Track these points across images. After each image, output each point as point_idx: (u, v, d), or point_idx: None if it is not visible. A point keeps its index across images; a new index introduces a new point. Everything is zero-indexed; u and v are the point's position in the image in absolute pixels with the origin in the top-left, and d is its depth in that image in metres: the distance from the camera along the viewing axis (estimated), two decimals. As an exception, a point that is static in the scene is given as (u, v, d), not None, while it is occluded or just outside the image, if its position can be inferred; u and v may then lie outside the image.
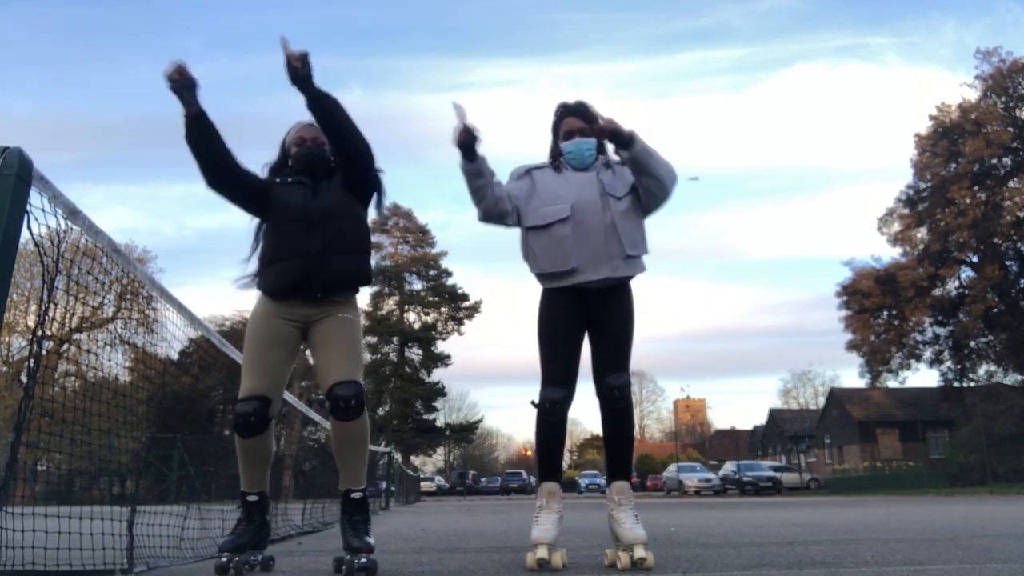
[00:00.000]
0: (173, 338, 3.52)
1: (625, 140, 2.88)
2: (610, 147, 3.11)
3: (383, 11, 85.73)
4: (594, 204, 2.93)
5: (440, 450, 49.17)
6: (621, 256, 2.90)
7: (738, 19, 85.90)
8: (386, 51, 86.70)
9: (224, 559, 2.66)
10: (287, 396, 5.29)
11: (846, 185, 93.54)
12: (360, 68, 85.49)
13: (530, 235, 3.01)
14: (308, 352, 2.99)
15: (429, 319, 45.68)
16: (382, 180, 3.01)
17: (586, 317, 2.94)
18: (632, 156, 2.90)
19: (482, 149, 2.89)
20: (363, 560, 2.69)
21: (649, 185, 2.95)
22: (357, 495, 2.84)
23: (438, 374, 45.08)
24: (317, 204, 2.87)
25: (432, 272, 45.78)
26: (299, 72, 2.70)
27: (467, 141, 2.82)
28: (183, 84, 2.71)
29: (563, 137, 3.08)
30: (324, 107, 2.77)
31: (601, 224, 2.90)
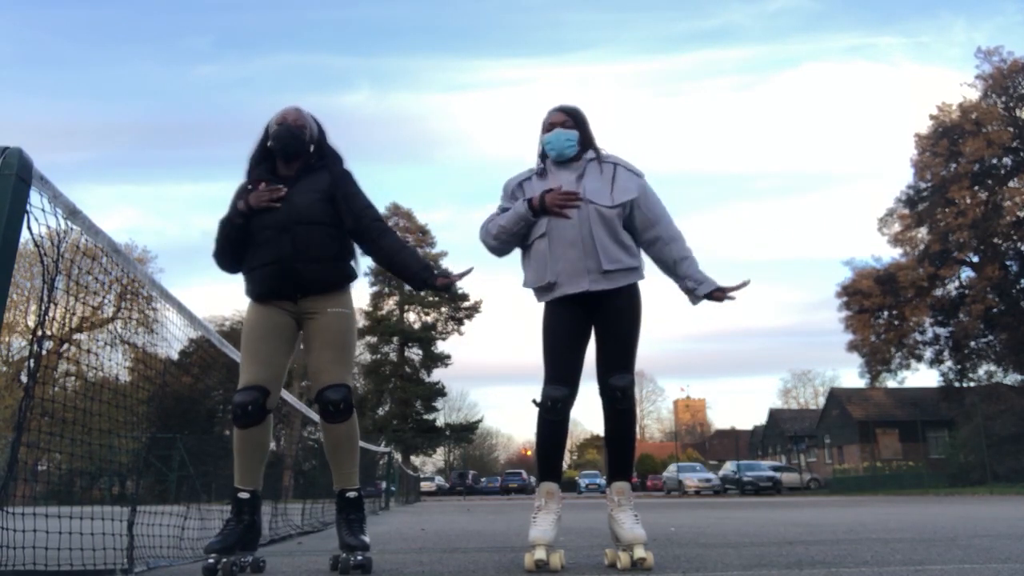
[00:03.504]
0: (173, 338, 3.53)
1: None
2: (607, 149, 3.10)
3: (391, 11, 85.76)
4: (569, 214, 2.86)
5: (440, 450, 49.14)
6: (598, 271, 2.85)
7: (747, 19, 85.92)
8: (394, 51, 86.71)
9: (211, 560, 2.62)
10: (287, 396, 5.29)
11: (847, 185, 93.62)
12: (368, 68, 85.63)
13: (523, 252, 3.04)
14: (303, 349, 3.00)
15: (429, 319, 45.67)
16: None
17: (592, 316, 2.93)
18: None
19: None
20: (359, 557, 2.70)
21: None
22: (352, 494, 2.89)
23: (438, 374, 45.14)
24: (286, 210, 2.84)
25: (432, 272, 45.74)
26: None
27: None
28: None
29: (544, 129, 3.05)
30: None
31: (577, 236, 2.85)
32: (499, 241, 2.99)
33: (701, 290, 2.92)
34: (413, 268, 2.90)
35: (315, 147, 3.04)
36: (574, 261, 2.84)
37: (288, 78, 79.49)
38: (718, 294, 2.92)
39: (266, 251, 2.83)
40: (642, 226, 2.99)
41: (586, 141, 3.05)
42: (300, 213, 2.83)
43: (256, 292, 2.89)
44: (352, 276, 2.98)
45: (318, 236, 2.85)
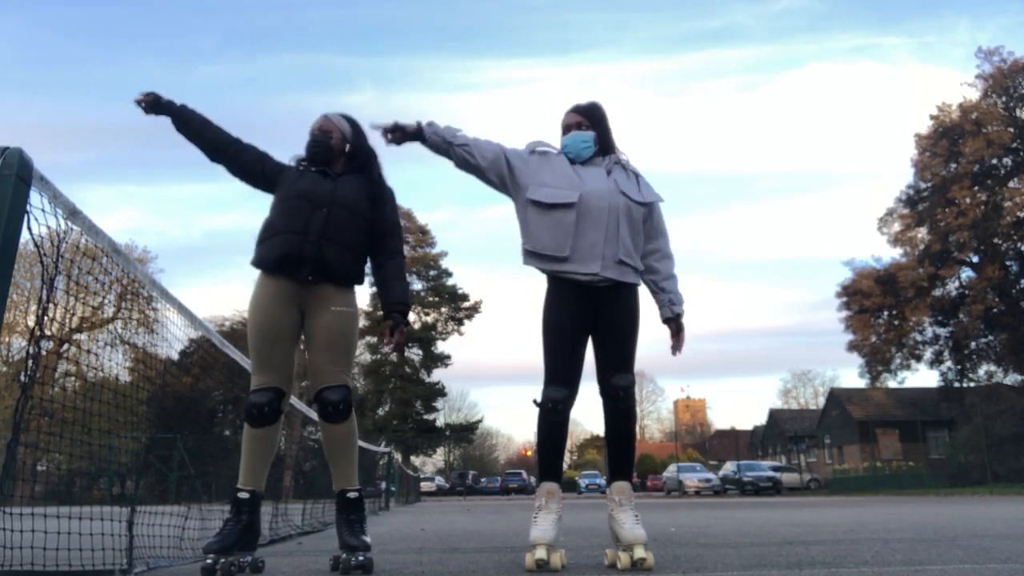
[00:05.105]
0: (173, 338, 3.53)
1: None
2: (623, 151, 3.16)
3: (395, 11, 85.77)
4: (601, 199, 2.92)
5: (440, 450, 49.12)
6: (613, 258, 2.89)
7: (751, 19, 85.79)
8: (398, 51, 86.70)
9: (210, 561, 2.60)
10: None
11: (847, 185, 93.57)
12: (372, 68, 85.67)
13: (530, 210, 2.99)
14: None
15: (429, 319, 45.68)
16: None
17: (592, 316, 2.93)
18: None
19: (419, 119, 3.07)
20: (360, 558, 2.70)
21: None
22: (352, 495, 2.89)
23: (438, 374, 45.11)
24: (329, 189, 2.92)
25: (432, 272, 45.78)
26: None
27: (400, 140, 3.06)
28: (152, 102, 2.91)
29: (562, 133, 3.12)
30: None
31: (604, 220, 2.90)
32: (447, 157, 3.11)
33: (676, 308, 3.09)
34: (388, 298, 2.97)
35: (352, 148, 3.08)
36: (595, 242, 2.88)
37: (292, 78, 79.61)
38: (675, 326, 3.10)
39: (295, 220, 2.84)
40: (648, 236, 3.10)
41: (605, 137, 3.11)
42: (341, 197, 2.92)
43: (268, 259, 2.83)
44: (361, 279, 3.01)
45: (351, 223, 2.91)
